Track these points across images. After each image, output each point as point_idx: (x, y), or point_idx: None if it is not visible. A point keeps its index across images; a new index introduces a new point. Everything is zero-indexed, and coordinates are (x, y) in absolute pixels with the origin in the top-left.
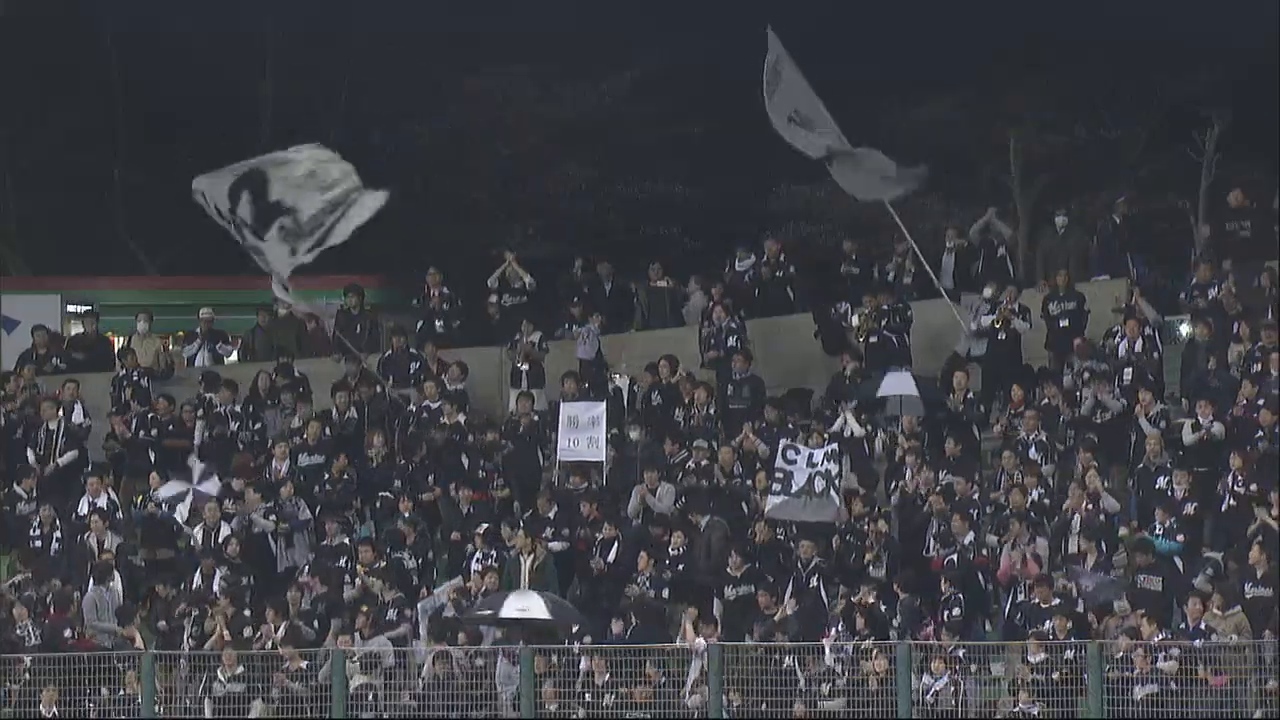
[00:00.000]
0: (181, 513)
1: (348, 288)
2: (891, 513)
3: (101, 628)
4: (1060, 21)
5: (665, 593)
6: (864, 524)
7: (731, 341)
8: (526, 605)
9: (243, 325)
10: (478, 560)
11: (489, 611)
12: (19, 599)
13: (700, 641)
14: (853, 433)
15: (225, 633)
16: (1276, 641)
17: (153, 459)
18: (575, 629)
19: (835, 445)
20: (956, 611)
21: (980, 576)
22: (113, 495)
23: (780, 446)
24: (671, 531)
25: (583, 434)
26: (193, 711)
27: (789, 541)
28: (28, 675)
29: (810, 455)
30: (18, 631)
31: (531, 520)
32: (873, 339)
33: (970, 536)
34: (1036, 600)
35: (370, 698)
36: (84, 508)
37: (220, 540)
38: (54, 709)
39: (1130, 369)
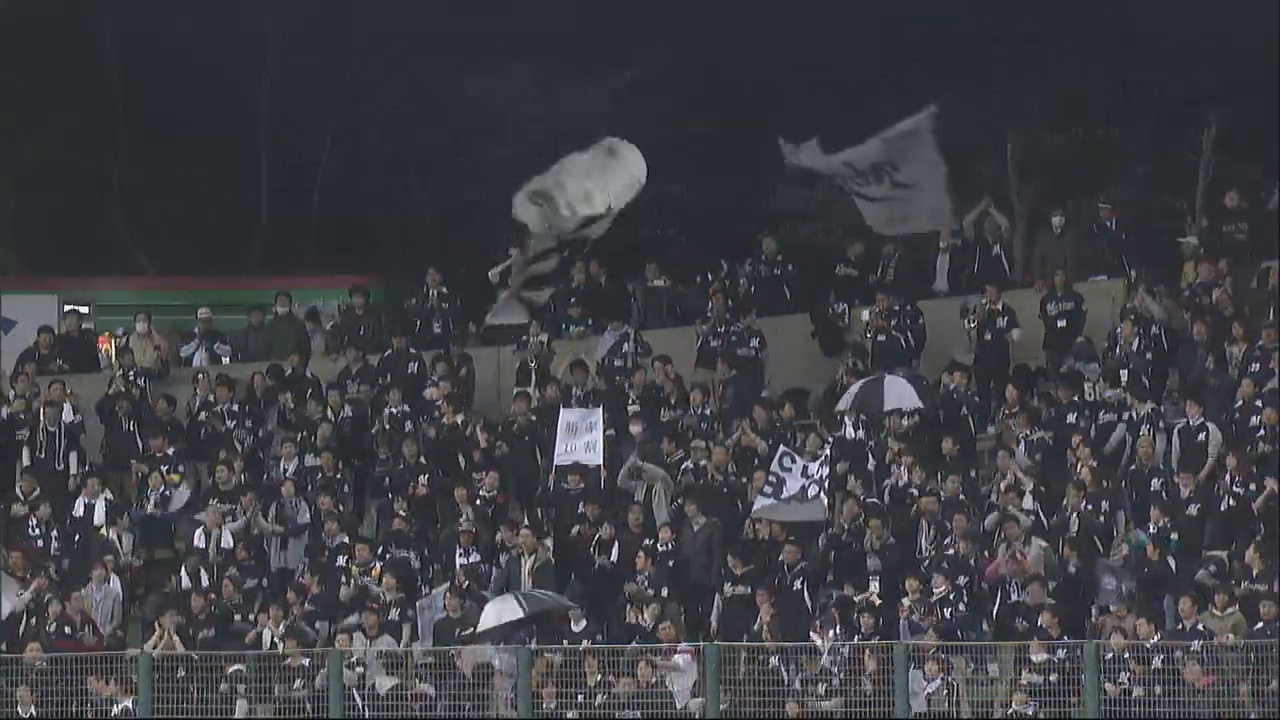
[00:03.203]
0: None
1: (353, 288)
2: (885, 513)
3: None
4: (1059, 21)
5: (664, 591)
6: (861, 524)
7: (754, 343)
8: (500, 611)
9: (242, 325)
10: (461, 554)
11: (474, 629)
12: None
13: (679, 660)
14: (849, 435)
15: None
16: (1275, 642)
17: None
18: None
19: (829, 453)
20: (957, 612)
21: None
22: (109, 495)
23: (779, 453)
24: (671, 531)
25: (580, 439)
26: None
27: (783, 541)
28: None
29: (805, 467)
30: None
31: (530, 521)
32: (880, 337)
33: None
34: (1027, 598)
35: (408, 698)
36: (79, 508)
37: (220, 543)
38: (31, 709)
39: (1127, 370)
